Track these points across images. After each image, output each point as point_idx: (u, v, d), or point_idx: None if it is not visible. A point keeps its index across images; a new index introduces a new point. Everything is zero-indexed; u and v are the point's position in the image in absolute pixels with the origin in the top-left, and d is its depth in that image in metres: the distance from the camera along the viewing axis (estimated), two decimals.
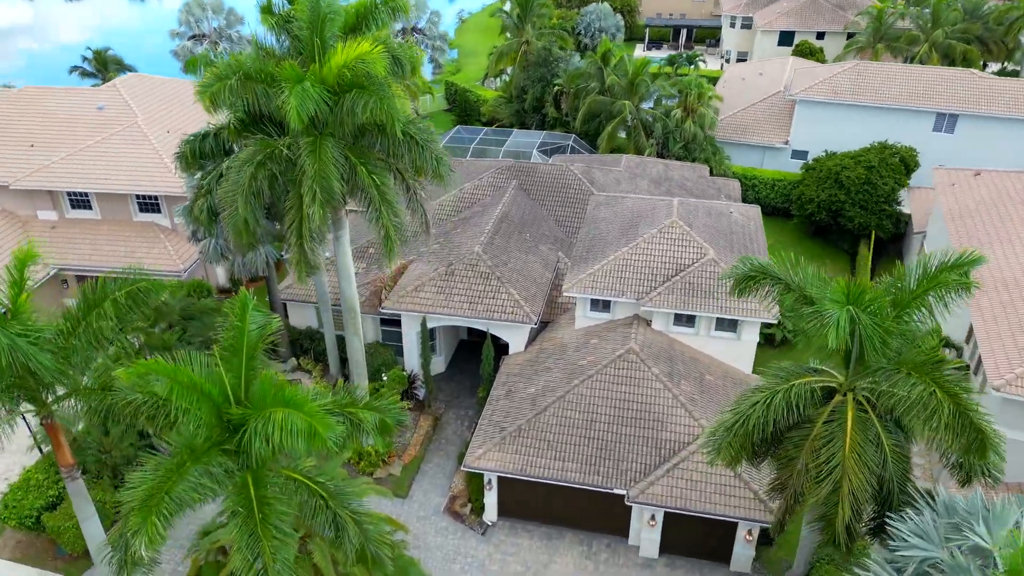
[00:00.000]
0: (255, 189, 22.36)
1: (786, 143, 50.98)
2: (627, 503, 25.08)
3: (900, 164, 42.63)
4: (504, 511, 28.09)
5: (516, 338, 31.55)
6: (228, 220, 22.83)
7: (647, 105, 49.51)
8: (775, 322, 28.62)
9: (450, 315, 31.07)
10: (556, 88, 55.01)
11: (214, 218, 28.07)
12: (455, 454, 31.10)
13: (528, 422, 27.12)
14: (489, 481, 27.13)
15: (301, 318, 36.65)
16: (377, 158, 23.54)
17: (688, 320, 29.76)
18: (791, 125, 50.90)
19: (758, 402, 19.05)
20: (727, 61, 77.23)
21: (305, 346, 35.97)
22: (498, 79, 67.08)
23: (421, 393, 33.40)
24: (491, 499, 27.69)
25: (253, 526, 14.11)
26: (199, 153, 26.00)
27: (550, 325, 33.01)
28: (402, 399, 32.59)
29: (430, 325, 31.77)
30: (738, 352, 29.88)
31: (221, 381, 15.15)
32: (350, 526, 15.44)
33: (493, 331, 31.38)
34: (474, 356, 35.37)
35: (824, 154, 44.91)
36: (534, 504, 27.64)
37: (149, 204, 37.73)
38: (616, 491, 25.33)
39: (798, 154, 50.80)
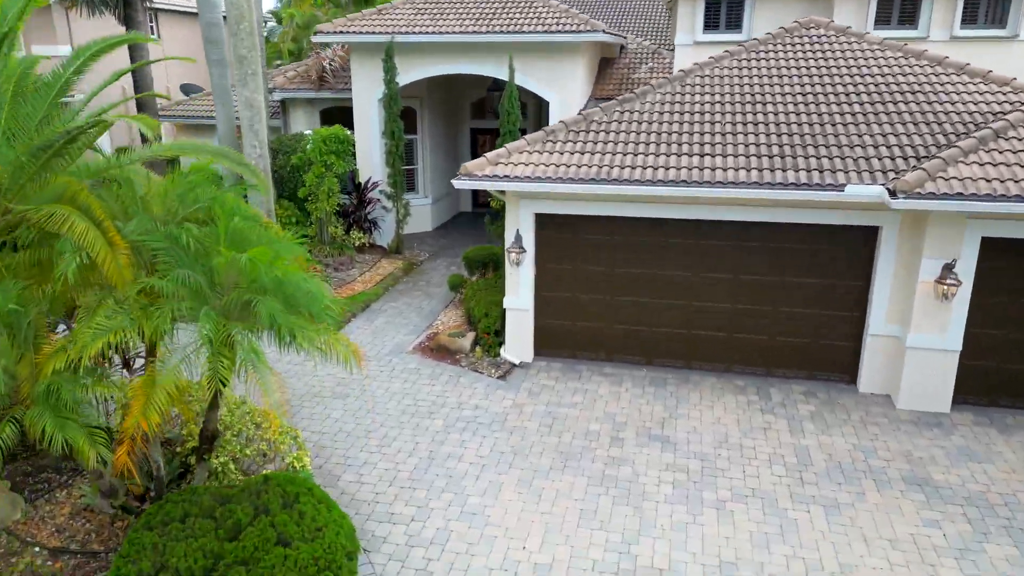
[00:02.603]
0: None
1: None
2: (895, 200, 9.33)
3: None
4: (549, 337, 12.10)
5: (564, 85, 16.79)
6: None
7: None
8: None
9: (440, 33, 16.50)
10: None
11: None
12: (441, 296, 15.41)
13: (607, 112, 11.93)
14: (517, 244, 11.44)
15: None
16: None
17: (907, 9, 15.18)
18: None
19: None
20: None
21: None
22: None
23: (383, 222, 18.07)
24: (521, 298, 11.83)
25: None
26: None
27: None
28: (348, 228, 17.30)
29: (407, 77, 17.14)
30: None
31: None
32: None
33: (521, 78, 16.68)
34: (478, 224, 20.49)
35: None
36: (623, 301, 11.74)
37: None
38: (854, 189, 9.69)
39: None
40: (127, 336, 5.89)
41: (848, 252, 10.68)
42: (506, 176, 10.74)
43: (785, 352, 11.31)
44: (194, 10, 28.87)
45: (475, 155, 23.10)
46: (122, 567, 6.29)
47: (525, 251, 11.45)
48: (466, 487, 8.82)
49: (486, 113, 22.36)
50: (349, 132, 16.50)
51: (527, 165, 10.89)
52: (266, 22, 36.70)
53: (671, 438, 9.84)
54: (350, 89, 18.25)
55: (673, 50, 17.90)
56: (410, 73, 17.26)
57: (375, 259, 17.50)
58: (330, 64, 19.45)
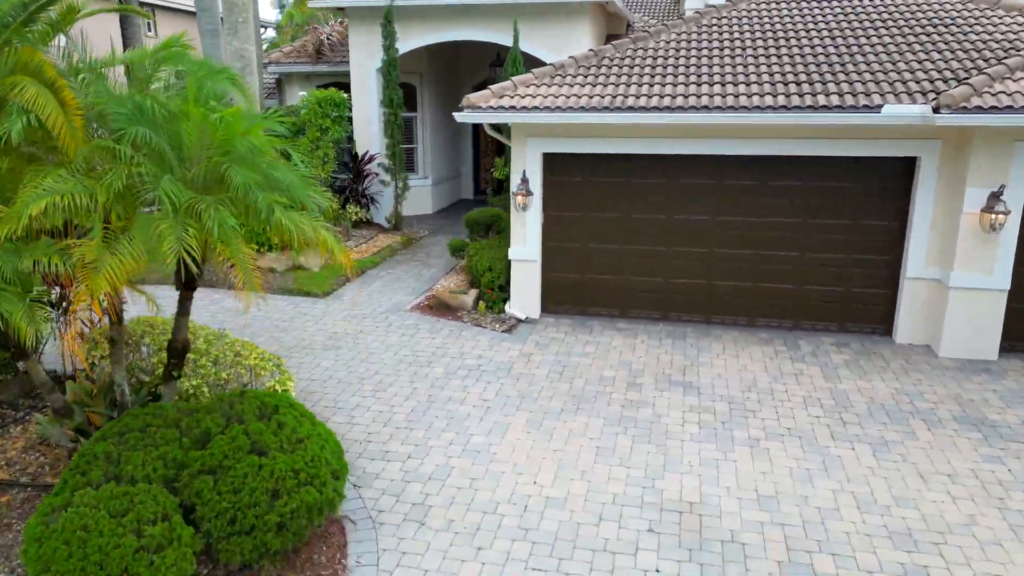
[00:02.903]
0: None
1: None
2: (939, 116, 8.52)
3: None
4: (557, 291, 11.25)
5: (570, 52, 16.08)
6: None
7: None
8: None
9: None
10: None
11: None
12: (441, 264, 14.57)
13: (619, 49, 11.22)
14: (524, 186, 10.63)
15: None
16: None
17: None
18: None
19: None
20: None
21: None
22: None
23: (381, 197, 17.30)
24: (528, 248, 10.99)
25: None
26: None
27: None
28: (344, 203, 16.54)
29: (407, 45, 16.47)
30: None
31: None
32: None
33: (525, 44, 15.97)
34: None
35: None
36: (637, 251, 10.90)
37: None
38: (893, 109, 8.88)
39: None
40: (77, 201, 5.04)
41: (882, 188, 9.87)
42: (512, 107, 9.97)
43: (814, 302, 10.45)
44: (191, 8, 28.45)
45: (476, 141, 22.49)
46: (69, 479, 5.38)
47: (532, 194, 10.64)
48: (469, 427, 7.92)
49: None
50: (346, 95, 15.76)
51: (535, 97, 10.14)
52: (264, 28, 36.32)
53: (694, 383, 8.96)
54: (347, 62, 17.59)
55: None
56: (409, 41, 16.59)
57: (372, 234, 16.70)
58: (328, 39, 18.83)
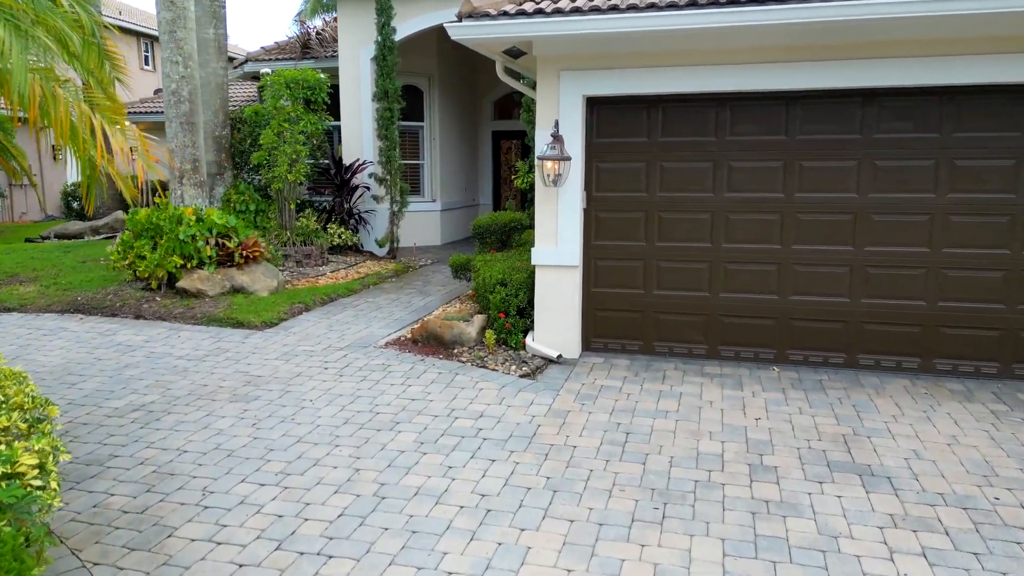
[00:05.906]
0: None
1: None
2: None
3: None
4: (608, 315, 7.21)
5: None
6: None
7: None
8: None
9: None
10: None
11: None
12: (442, 292, 10.66)
13: None
14: (556, 146, 6.71)
15: None
16: None
17: None
18: None
19: None
20: None
21: None
22: None
23: (373, 218, 13.60)
24: (563, 248, 7.01)
25: None
26: None
27: None
28: (325, 223, 12.91)
29: (408, 26, 13.09)
30: None
31: None
32: None
33: None
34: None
35: None
36: (734, 251, 6.86)
37: None
38: None
39: None
40: None
41: None
42: (539, 11, 6.18)
43: None
44: None
45: (497, 163, 18.91)
46: None
47: (569, 160, 6.75)
48: (445, 556, 3.83)
49: (512, 113, 18.28)
50: (323, 76, 12.22)
51: (572, 1, 6.37)
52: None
53: (875, 468, 4.80)
54: (338, 56, 14.22)
55: None
56: (411, 20, 13.18)
57: (358, 260, 12.93)
58: (318, 34, 15.55)
